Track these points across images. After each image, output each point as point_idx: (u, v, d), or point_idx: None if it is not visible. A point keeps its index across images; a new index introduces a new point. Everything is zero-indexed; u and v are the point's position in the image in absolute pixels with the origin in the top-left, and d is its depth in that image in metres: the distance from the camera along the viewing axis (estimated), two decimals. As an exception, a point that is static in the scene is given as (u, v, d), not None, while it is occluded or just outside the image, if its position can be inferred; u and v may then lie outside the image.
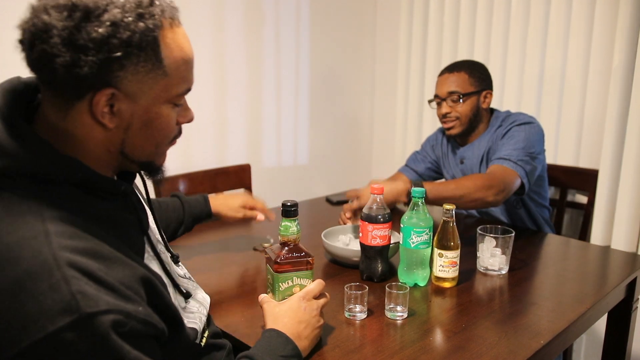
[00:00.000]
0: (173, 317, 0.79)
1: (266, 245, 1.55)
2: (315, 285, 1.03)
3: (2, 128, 0.69)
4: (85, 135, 0.72)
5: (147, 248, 0.83)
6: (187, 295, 0.90)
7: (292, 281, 1.02)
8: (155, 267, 0.83)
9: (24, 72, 0.74)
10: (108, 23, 0.66)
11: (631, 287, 1.45)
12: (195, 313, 0.91)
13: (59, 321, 0.60)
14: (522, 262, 1.47)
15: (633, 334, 1.53)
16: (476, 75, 1.80)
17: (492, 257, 1.38)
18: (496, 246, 1.37)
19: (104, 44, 0.66)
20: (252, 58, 2.33)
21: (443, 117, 1.83)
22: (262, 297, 1.04)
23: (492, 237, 1.37)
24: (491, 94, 1.83)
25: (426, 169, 2.02)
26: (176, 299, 0.86)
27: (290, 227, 1.01)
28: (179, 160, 2.10)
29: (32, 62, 0.69)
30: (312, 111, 2.65)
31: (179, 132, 0.83)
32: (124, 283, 0.68)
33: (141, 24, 0.68)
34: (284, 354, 0.90)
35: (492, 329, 1.10)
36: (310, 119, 2.65)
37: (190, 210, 1.39)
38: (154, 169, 0.84)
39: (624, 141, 1.98)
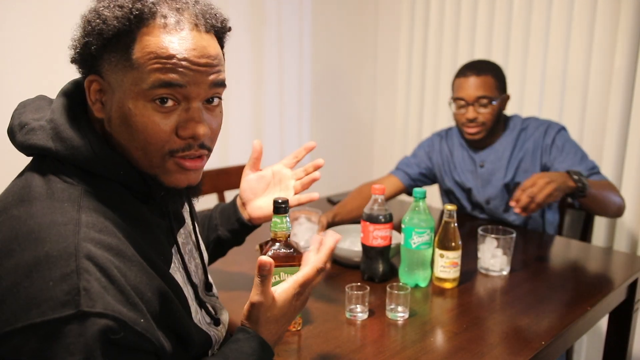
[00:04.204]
0: (183, 335, 0.78)
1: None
2: (310, 270, 0.84)
3: (66, 116, 0.75)
4: (100, 127, 0.77)
5: (175, 259, 0.83)
6: (217, 322, 0.91)
7: (280, 276, 1.02)
8: (179, 278, 0.82)
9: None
10: (92, 12, 0.72)
11: (632, 288, 1.45)
12: (218, 333, 0.92)
13: (59, 312, 0.61)
14: (523, 262, 1.47)
15: (634, 335, 1.53)
16: (500, 79, 1.75)
17: (493, 257, 1.37)
18: (497, 247, 1.37)
19: (83, 29, 0.73)
20: (253, 58, 2.33)
21: (469, 122, 1.74)
22: (264, 264, 0.80)
23: (493, 237, 1.37)
24: (509, 97, 1.80)
25: (419, 174, 1.97)
26: (199, 313, 0.87)
27: (280, 223, 1.02)
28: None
29: None
30: (313, 111, 2.65)
31: (187, 148, 0.75)
32: (136, 288, 0.68)
33: (115, 12, 0.71)
34: None
35: (493, 330, 1.10)
36: (311, 119, 2.66)
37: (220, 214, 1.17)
38: (163, 189, 0.77)
39: (625, 142, 1.98)
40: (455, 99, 1.77)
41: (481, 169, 1.83)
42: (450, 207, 1.28)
